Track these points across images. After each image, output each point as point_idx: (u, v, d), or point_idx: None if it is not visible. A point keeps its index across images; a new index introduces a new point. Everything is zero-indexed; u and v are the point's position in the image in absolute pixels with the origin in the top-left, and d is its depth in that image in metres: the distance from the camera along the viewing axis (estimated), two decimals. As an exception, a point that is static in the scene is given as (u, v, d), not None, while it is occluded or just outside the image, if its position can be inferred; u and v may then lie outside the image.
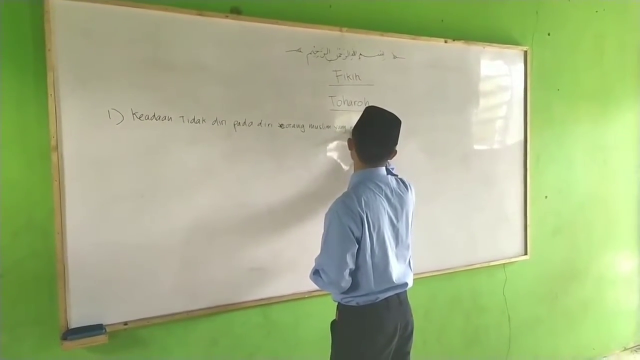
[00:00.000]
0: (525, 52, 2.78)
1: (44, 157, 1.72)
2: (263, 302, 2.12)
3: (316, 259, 1.78)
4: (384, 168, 1.85)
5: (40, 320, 1.77)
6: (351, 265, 1.69)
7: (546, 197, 2.98)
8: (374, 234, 1.72)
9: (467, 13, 2.62)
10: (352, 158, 1.90)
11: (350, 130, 1.92)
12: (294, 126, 2.14)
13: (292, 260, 2.16)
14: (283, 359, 2.24)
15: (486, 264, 2.71)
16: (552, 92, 2.96)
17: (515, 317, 2.93)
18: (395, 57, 2.36)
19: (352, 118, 2.26)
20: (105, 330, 1.79)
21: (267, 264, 2.11)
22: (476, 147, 2.65)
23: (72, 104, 1.74)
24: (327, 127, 2.21)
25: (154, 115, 1.87)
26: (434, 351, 2.64)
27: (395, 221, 1.80)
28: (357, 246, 1.70)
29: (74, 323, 1.78)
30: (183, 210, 1.94)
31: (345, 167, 2.26)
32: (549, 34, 2.93)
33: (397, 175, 1.95)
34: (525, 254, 2.86)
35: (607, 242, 3.30)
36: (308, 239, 2.16)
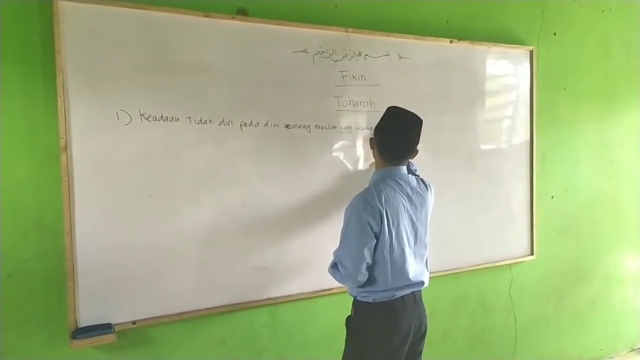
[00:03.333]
0: (531, 52, 2.78)
1: (53, 158, 1.74)
2: (270, 302, 2.13)
3: (334, 253, 1.80)
4: (405, 167, 1.87)
5: (49, 319, 1.79)
6: (368, 259, 1.71)
7: (552, 197, 2.97)
8: (393, 230, 1.74)
9: (472, 13, 2.62)
10: (374, 157, 1.92)
11: (370, 130, 1.92)
12: (300, 126, 2.15)
13: (298, 260, 2.17)
14: (289, 358, 2.25)
15: (492, 264, 2.71)
16: (558, 91, 2.95)
17: (521, 317, 2.92)
18: (400, 57, 2.36)
19: (357, 118, 2.27)
20: (114, 329, 1.80)
21: (274, 264, 2.12)
22: (482, 146, 2.65)
23: (81, 105, 1.76)
24: (332, 127, 2.22)
25: (162, 116, 1.88)
26: (440, 351, 2.64)
27: (414, 219, 1.82)
28: (375, 241, 1.72)
29: (83, 322, 1.79)
30: (190, 211, 1.95)
31: (350, 168, 2.27)
32: (554, 34, 2.92)
33: (418, 175, 1.97)
34: (532, 254, 2.86)
35: (614, 241, 3.28)
36: (314, 239, 2.18)
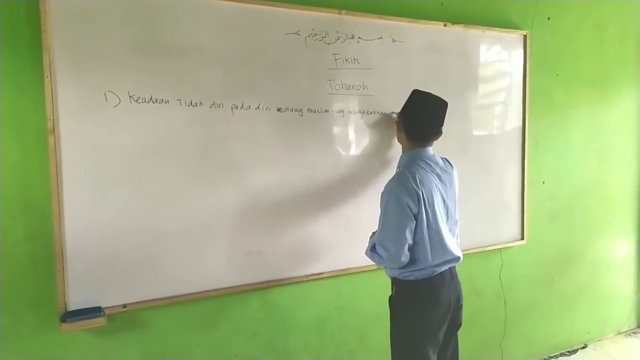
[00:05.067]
0: (525, 37, 2.76)
1: (41, 140, 1.71)
2: (262, 286, 2.14)
3: (374, 236, 1.85)
4: (431, 148, 1.92)
5: (39, 302, 1.78)
6: (410, 240, 1.77)
7: (544, 182, 2.99)
8: (429, 209, 1.79)
9: (466, -4, 2.59)
10: (400, 140, 1.99)
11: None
12: (292, 110, 2.13)
13: (290, 244, 2.17)
14: (281, 341, 2.26)
15: (483, 249, 2.72)
16: (551, 77, 2.95)
17: (511, 302, 2.95)
18: (394, 40, 2.34)
19: (350, 102, 2.25)
20: (104, 313, 1.80)
21: (266, 248, 2.12)
22: (474, 132, 2.64)
23: (68, 86, 1.72)
24: (325, 111, 2.20)
25: (151, 98, 1.86)
26: (431, 334, 2.66)
27: (445, 197, 1.88)
28: (414, 222, 1.77)
29: (73, 305, 1.78)
30: (180, 194, 1.93)
31: (343, 152, 2.26)
32: (548, 19, 2.90)
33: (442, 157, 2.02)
34: (522, 238, 2.88)
35: (604, 227, 3.31)
36: (306, 223, 2.18)
